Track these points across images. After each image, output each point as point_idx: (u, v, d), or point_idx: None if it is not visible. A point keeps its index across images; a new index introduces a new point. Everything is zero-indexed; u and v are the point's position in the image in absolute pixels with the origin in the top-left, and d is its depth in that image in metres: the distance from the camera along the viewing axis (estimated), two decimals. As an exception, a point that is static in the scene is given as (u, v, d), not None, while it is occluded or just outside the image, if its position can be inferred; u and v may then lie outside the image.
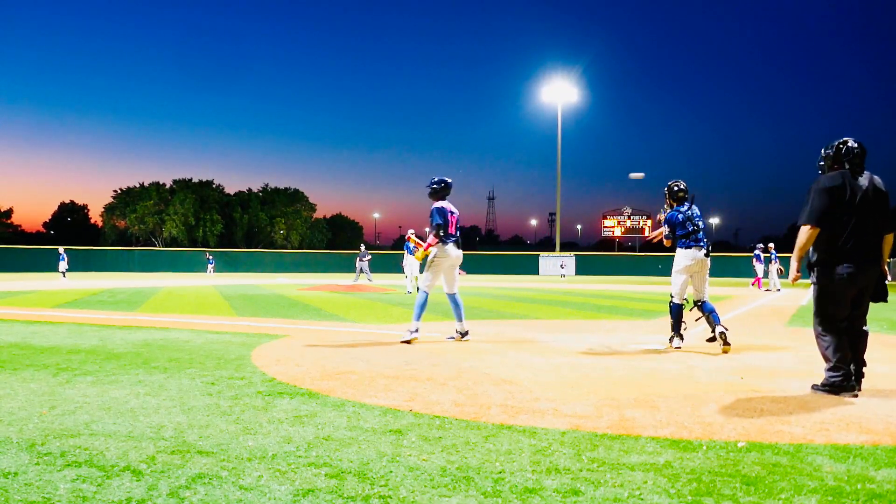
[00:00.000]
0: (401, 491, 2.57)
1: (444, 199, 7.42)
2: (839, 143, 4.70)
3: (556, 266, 49.88)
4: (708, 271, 7.12)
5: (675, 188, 7.25)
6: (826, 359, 4.66)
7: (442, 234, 7.24)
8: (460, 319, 7.38)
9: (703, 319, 7.08)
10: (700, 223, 7.12)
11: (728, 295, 21.02)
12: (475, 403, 4.18)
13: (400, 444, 3.22)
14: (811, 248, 4.67)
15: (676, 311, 7.12)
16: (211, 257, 45.82)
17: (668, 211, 7.26)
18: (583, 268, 51.13)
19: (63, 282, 26.68)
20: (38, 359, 5.79)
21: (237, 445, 3.16)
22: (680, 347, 7.02)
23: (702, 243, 7.03)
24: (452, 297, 7.46)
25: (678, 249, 7.08)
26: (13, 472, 2.72)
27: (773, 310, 13.73)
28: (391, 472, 2.79)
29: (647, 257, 53.61)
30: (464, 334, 7.40)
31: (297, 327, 8.95)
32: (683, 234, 7.06)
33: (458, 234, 7.45)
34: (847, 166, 4.62)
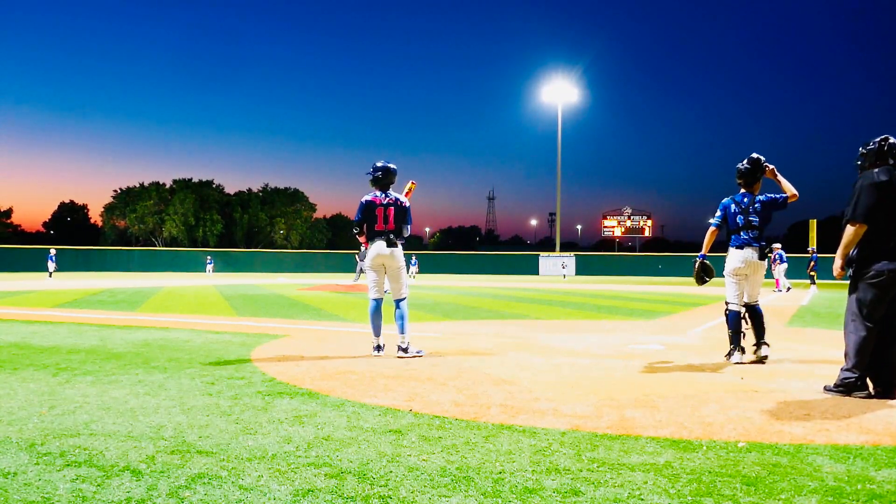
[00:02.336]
0: (401, 491, 2.57)
1: (386, 187, 6.37)
2: (881, 140, 4.61)
3: (557, 266, 49.88)
4: (763, 274, 6.14)
5: (739, 168, 6.17)
6: (846, 356, 4.56)
7: (357, 232, 6.37)
8: (402, 331, 6.25)
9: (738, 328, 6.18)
10: (754, 219, 6.04)
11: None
12: (475, 403, 4.17)
13: (400, 444, 3.22)
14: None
15: (734, 320, 6.11)
16: (210, 258, 45.96)
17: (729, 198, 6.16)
18: (583, 268, 51.14)
19: (54, 282, 26.56)
20: (38, 359, 5.79)
21: (237, 445, 3.16)
22: (741, 363, 5.96)
23: (754, 243, 6.00)
24: (396, 303, 6.35)
25: (729, 248, 6.14)
26: (13, 472, 2.72)
27: (773, 310, 13.73)
28: (391, 472, 2.79)
29: (647, 257, 53.60)
30: (405, 349, 6.20)
31: (297, 327, 8.94)
32: (734, 229, 6.08)
33: (396, 229, 6.31)
34: (892, 162, 4.54)
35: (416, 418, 3.76)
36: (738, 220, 6.03)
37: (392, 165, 6.44)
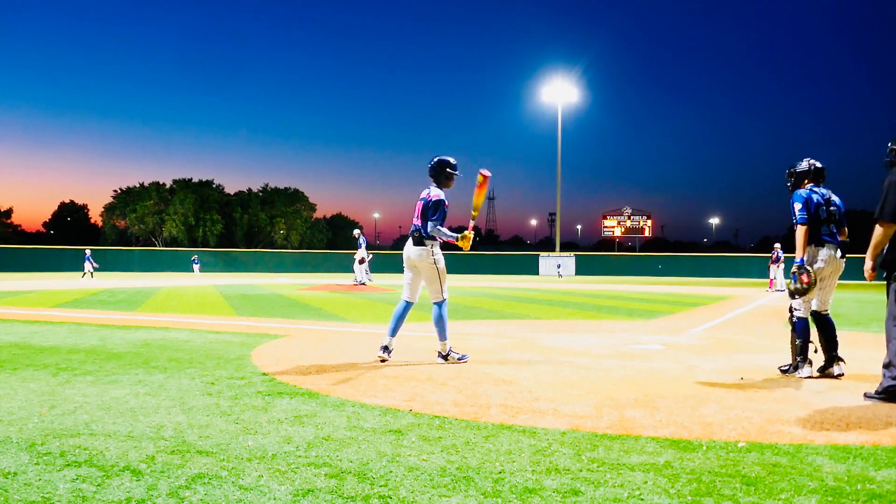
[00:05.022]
0: (401, 491, 2.57)
1: (436, 181, 6.09)
2: None
3: (556, 266, 49.89)
4: (838, 277, 5.37)
5: (817, 165, 5.49)
6: (891, 365, 4.34)
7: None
8: (441, 338, 5.97)
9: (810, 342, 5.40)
10: (835, 210, 5.36)
11: (729, 295, 21.04)
12: (475, 403, 4.18)
13: (400, 444, 3.22)
14: (886, 245, 4.41)
15: (802, 330, 5.36)
16: (196, 257, 45.85)
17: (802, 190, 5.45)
18: (582, 268, 51.11)
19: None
20: (38, 359, 5.79)
21: (237, 445, 3.16)
22: (810, 376, 5.27)
23: (838, 239, 5.30)
24: (404, 304, 6.09)
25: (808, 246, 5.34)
26: (13, 472, 2.72)
27: (772, 310, 13.72)
28: (391, 472, 2.79)
29: (647, 257, 53.60)
30: (445, 356, 5.96)
31: (297, 327, 8.95)
32: (816, 223, 5.28)
33: (417, 226, 5.94)
34: None
35: (416, 418, 3.77)
36: (821, 212, 5.30)
37: (437, 159, 6.09)
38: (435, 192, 5.97)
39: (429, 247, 5.92)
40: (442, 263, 6.03)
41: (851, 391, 4.72)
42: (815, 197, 5.31)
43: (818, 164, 5.50)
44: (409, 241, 5.98)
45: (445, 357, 5.92)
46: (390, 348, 5.95)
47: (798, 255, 5.24)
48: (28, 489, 2.54)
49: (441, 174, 6.06)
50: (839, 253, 5.29)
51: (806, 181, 5.47)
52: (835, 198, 5.43)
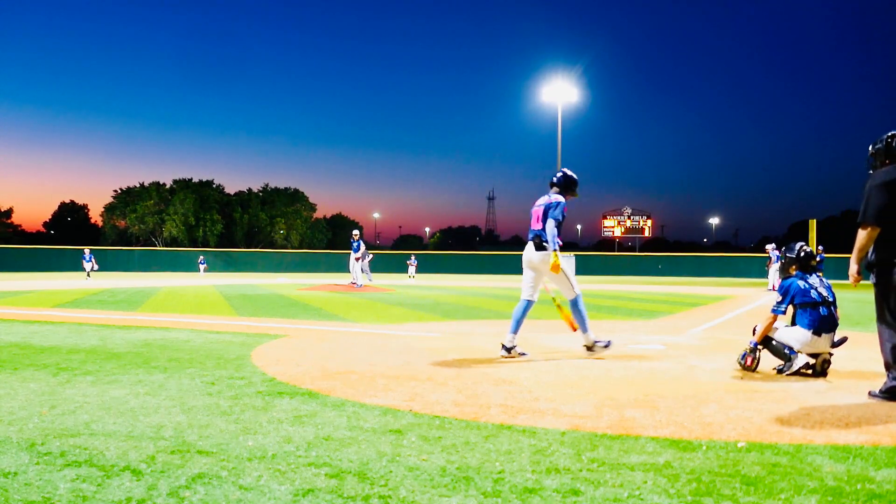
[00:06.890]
0: (401, 491, 2.57)
1: (561, 192, 6.42)
2: (888, 137, 4.52)
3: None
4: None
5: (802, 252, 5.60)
6: (889, 365, 4.38)
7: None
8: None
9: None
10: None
11: (729, 295, 21.04)
12: (475, 403, 4.18)
13: (400, 444, 3.22)
14: (871, 248, 4.44)
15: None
16: (202, 258, 46.01)
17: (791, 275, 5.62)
18: (582, 268, 51.08)
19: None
20: (38, 359, 5.79)
21: (237, 445, 3.16)
22: (807, 363, 5.36)
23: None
24: (525, 304, 6.51)
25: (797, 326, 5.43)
26: (13, 472, 2.72)
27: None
28: (391, 472, 2.79)
29: (647, 257, 53.60)
30: (589, 348, 6.36)
31: (297, 327, 8.95)
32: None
33: (537, 231, 6.27)
34: None
35: (416, 418, 3.77)
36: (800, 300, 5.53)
37: (567, 173, 6.52)
38: (556, 197, 6.33)
39: (547, 252, 6.22)
40: (564, 263, 6.30)
41: (851, 391, 4.72)
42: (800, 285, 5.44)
43: (807, 249, 5.66)
44: (530, 246, 6.32)
45: (590, 348, 6.28)
46: (509, 346, 6.17)
47: (757, 336, 5.51)
48: (28, 489, 2.54)
49: (568, 186, 6.46)
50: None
51: (794, 267, 5.61)
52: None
